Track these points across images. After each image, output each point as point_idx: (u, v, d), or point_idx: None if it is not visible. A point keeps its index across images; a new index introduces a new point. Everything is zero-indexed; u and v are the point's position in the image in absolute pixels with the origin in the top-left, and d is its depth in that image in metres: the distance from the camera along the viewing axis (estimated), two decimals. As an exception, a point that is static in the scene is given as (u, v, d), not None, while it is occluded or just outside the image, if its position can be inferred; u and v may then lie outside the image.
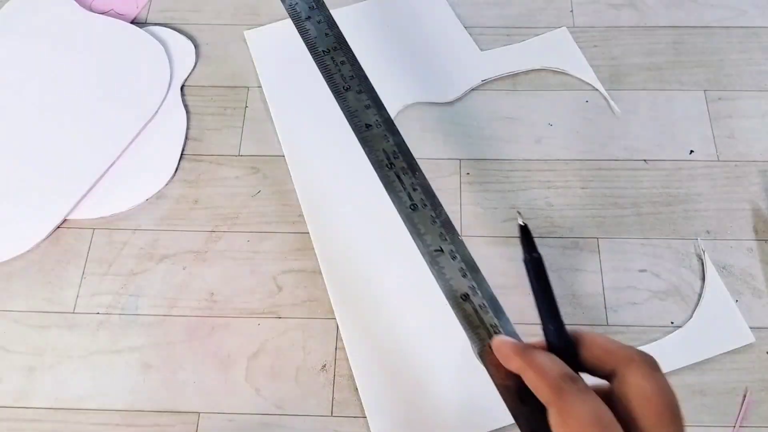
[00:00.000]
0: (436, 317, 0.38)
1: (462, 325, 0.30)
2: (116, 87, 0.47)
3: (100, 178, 0.44)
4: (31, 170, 0.44)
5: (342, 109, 0.38)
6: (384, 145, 0.36)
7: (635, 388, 0.24)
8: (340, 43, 0.40)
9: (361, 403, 0.37)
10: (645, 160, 0.44)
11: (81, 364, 0.39)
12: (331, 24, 0.41)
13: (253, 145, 0.46)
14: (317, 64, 0.40)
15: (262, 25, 0.50)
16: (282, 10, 0.51)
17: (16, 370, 0.39)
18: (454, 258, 0.31)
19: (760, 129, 0.45)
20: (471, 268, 0.31)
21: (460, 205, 0.43)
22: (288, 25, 0.50)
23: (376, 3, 0.51)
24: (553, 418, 0.24)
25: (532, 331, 0.28)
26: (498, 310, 0.30)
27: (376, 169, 0.35)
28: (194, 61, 0.49)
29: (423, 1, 0.51)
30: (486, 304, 0.30)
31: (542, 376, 0.25)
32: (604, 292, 0.40)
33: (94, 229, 0.43)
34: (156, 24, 0.51)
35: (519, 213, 0.29)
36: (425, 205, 0.33)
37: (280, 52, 0.49)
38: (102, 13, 0.51)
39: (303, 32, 0.41)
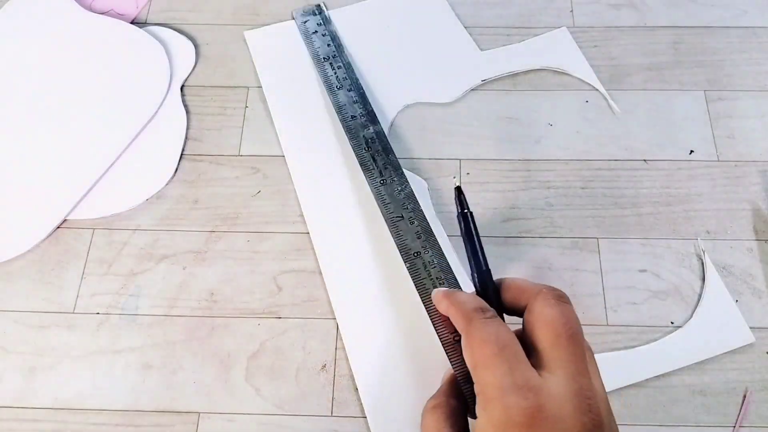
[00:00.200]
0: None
1: (411, 277, 0.36)
2: (116, 87, 0.47)
3: (100, 178, 0.44)
4: (31, 170, 0.44)
5: (333, 103, 0.45)
6: (364, 132, 0.43)
7: (537, 315, 0.27)
8: (339, 52, 0.47)
9: (361, 403, 0.37)
10: (645, 160, 0.44)
11: (81, 364, 0.39)
12: (334, 37, 0.49)
13: (253, 145, 0.46)
14: (317, 69, 0.47)
15: (262, 25, 0.50)
16: (282, 10, 0.51)
17: (15, 370, 0.39)
18: (412, 223, 0.38)
19: (760, 129, 0.45)
20: (426, 232, 0.37)
21: (460, 205, 0.43)
22: (288, 25, 0.51)
23: (376, 3, 0.51)
24: (463, 344, 0.27)
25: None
26: (445, 269, 0.35)
27: (355, 151, 0.42)
28: (194, 61, 0.49)
29: (423, 1, 0.51)
30: (435, 261, 0.36)
31: (458, 309, 0.29)
32: (604, 292, 0.40)
33: (94, 229, 0.43)
34: (156, 24, 0.51)
35: (454, 177, 0.39)
36: (393, 180, 0.40)
37: (280, 53, 0.49)
38: (102, 13, 0.51)
39: (309, 44, 0.48)
